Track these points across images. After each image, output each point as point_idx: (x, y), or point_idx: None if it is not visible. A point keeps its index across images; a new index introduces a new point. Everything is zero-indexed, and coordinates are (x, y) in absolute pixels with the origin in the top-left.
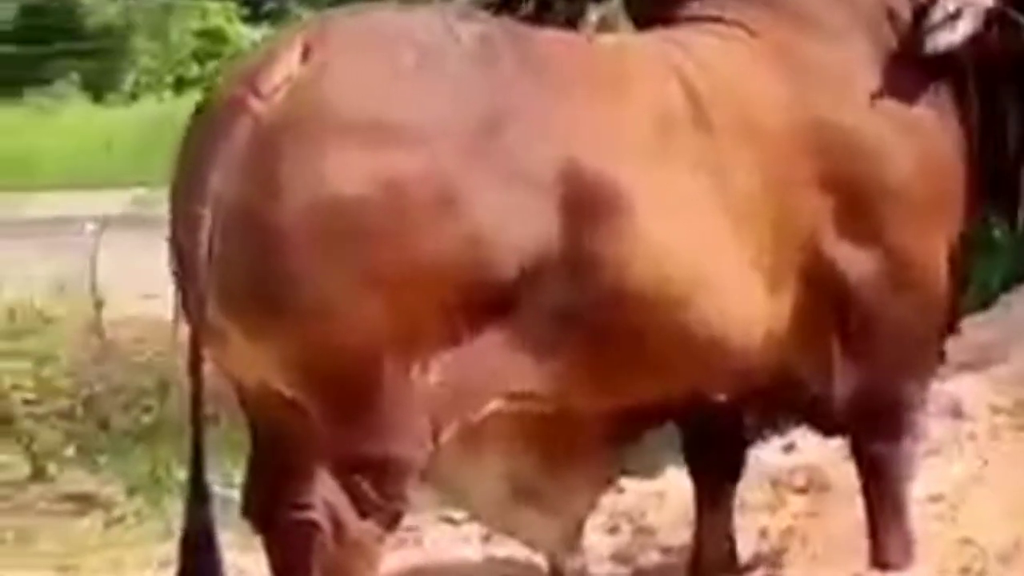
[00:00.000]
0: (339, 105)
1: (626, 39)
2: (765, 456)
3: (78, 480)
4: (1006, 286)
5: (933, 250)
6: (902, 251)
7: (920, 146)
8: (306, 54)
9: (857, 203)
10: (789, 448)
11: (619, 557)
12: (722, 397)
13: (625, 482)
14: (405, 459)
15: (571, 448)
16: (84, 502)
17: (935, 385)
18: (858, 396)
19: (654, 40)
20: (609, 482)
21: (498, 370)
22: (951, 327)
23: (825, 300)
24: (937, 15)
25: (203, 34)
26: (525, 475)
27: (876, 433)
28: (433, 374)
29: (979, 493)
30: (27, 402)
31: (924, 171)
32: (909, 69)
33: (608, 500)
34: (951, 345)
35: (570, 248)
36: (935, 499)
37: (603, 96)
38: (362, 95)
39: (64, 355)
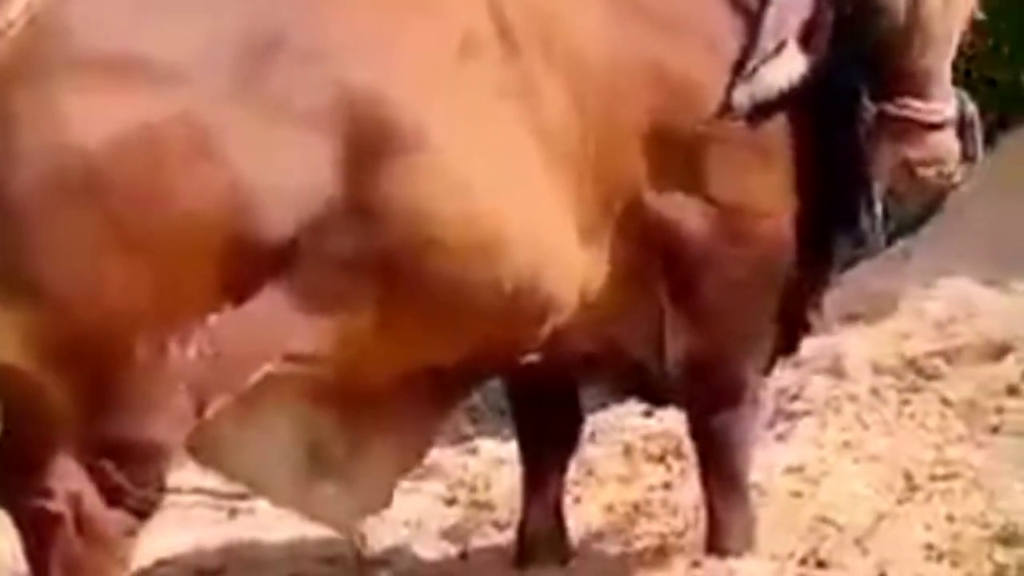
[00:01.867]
0: (78, 41)
1: None
2: (624, 420)
3: None
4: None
5: (768, 202)
6: (735, 204)
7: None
8: None
9: (684, 151)
10: (650, 413)
11: (450, 535)
12: (532, 357)
13: (479, 444)
14: (158, 441)
15: (370, 414)
16: None
17: (814, 340)
18: (688, 362)
19: None
20: (419, 453)
21: (272, 332)
22: (810, 286)
23: (648, 255)
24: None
25: None
26: (318, 445)
27: (710, 404)
28: (194, 343)
29: (846, 463)
30: None
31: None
32: (749, 14)
33: (452, 465)
34: (838, 294)
35: (354, 190)
36: (794, 470)
37: (391, 14)
38: (104, 29)
39: None
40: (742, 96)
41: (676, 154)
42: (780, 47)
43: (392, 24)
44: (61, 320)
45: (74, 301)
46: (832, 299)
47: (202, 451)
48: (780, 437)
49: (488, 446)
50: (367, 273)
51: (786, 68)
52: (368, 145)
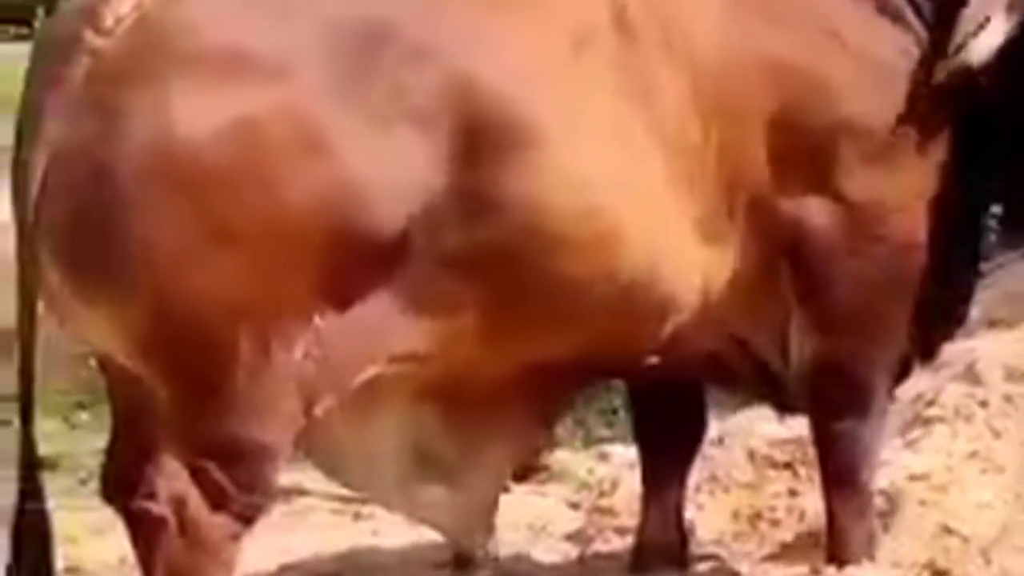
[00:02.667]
0: (187, 36)
1: None
2: (753, 425)
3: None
4: None
5: (899, 197)
6: (863, 201)
7: (886, 87)
8: None
9: (811, 145)
10: (780, 417)
11: (572, 539)
12: (653, 359)
13: (611, 448)
14: (266, 444)
15: (480, 415)
16: (49, 463)
17: (951, 344)
18: (814, 365)
19: None
20: (529, 455)
21: (380, 332)
22: (948, 287)
23: (774, 253)
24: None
25: None
26: (427, 446)
27: (835, 409)
28: (301, 343)
29: (974, 472)
30: None
31: (888, 114)
32: (874, 7)
33: (581, 469)
34: (978, 296)
35: (466, 186)
36: (921, 478)
37: (503, 7)
38: (214, 23)
39: None
40: (941, 74)
41: (802, 149)
42: (983, 24)
43: (505, 17)
44: (165, 316)
45: (178, 296)
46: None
47: (315, 454)
48: (910, 444)
49: (620, 450)
50: (479, 271)
51: (988, 43)
52: (480, 140)
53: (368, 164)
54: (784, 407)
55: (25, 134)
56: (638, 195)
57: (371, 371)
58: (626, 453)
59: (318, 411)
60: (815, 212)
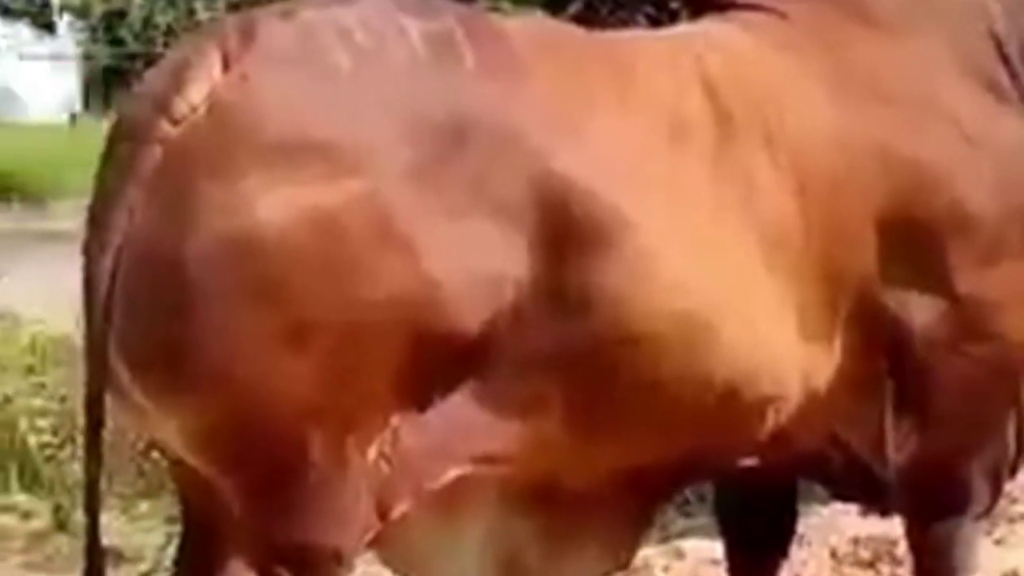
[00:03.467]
0: (261, 127)
1: (641, 35)
2: (835, 520)
3: (106, 529)
4: None
5: (1010, 298)
6: (972, 297)
7: (1000, 176)
8: (226, 66)
9: (921, 241)
10: (864, 513)
11: None
12: (750, 461)
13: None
14: (339, 548)
15: (567, 519)
16: (112, 554)
17: None
18: (913, 467)
19: (679, 37)
20: (619, 563)
21: (461, 433)
22: None
23: (877, 351)
24: None
25: None
26: (513, 552)
27: (933, 512)
28: (377, 443)
29: None
30: (46, 445)
31: (1001, 205)
32: (994, 86)
33: (658, 566)
34: None
35: (554, 285)
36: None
37: (591, 98)
38: (288, 114)
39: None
40: None
41: (911, 243)
42: None
43: (592, 109)
44: (236, 417)
45: (249, 397)
46: None
47: (391, 557)
48: (999, 542)
49: (696, 545)
50: (566, 372)
51: None
52: (566, 236)
53: (450, 260)
54: (879, 508)
55: (97, 224)
56: (736, 293)
57: (452, 473)
58: (702, 548)
59: (394, 514)
60: (921, 309)
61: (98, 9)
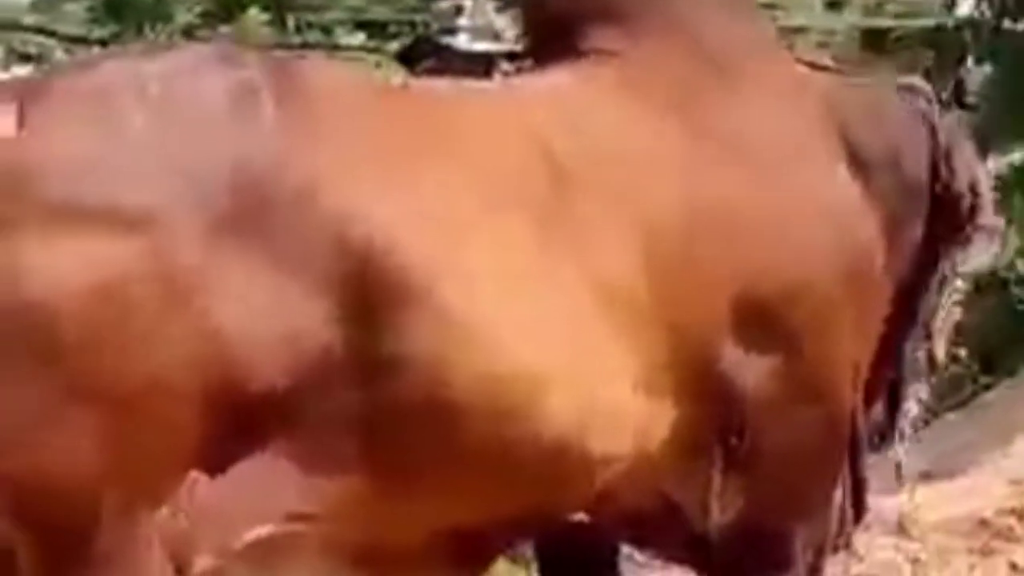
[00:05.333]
0: (43, 185)
1: (467, 86)
2: None
3: None
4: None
5: (845, 363)
6: (807, 361)
7: (839, 242)
8: (20, 120)
9: (760, 303)
10: None
11: None
12: (579, 516)
13: None
14: None
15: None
16: None
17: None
18: (738, 529)
19: (510, 88)
20: None
21: (267, 489)
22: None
23: (710, 411)
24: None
25: None
26: None
27: (753, 574)
28: (172, 501)
29: None
30: None
31: (839, 271)
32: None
33: None
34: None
35: (361, 344)
36: None
37: (408, 157)
38: (73, 172)
39: None
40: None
41: (750, 306)
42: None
43: (402, 164)
44: (18, 474)
45: (34, 460)
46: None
47: None
48: None
49: None
50: (374, 433)
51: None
52: (371, 295)
53: (243, 319)
54: (702, 568)
55: None
56: (566, 354)
57: (260, 531)
58: None
59: (195, 570)
60: (756, 371)
61: None
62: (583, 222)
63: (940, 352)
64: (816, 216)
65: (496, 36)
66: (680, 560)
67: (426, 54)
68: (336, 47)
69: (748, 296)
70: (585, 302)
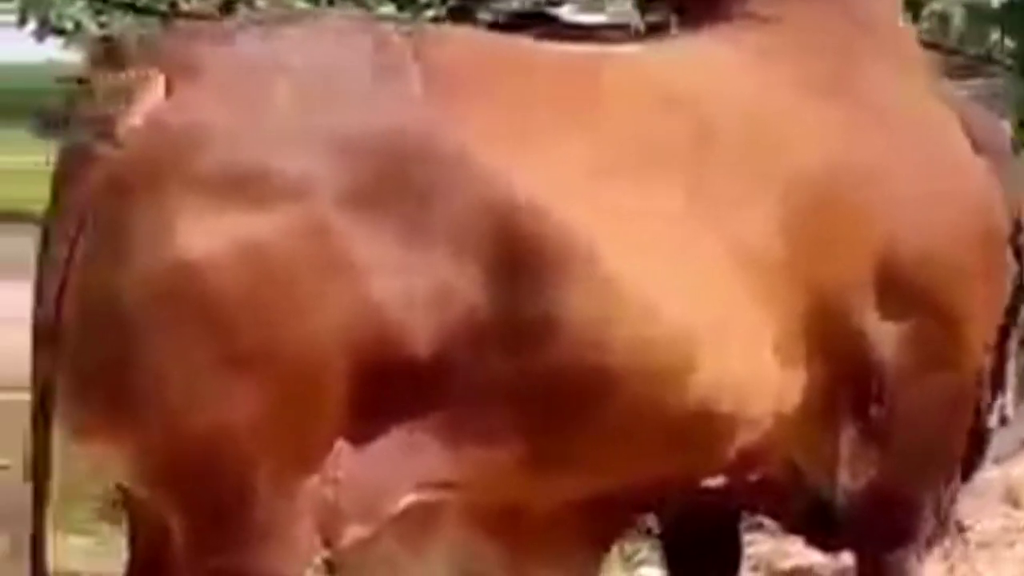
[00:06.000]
0: (198, 154)
1: (608, 51)
2: (779, 545)
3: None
4: None
5: (978, 330)
6: (947, 326)
7: (982, 217)
8: (168, 89)
9: (902, 269)
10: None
11: None
12: (715, 481)
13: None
14: (275, 575)
15: (531, 544)
16: None
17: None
18: (869, 497)
19: (658, 50)
20: None
21: (416, 458)
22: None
23: (844, 375)
24: None
25: None
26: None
27: (886, 541)
28: (322, 470)
29: None
30: None
31: (974, 234)
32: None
33: None
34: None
35: (512, 311)
36: None
37: (554, 121)
38: (226, 141)
39: None
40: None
41: (891, 272)
42: None
43: (549, 129)
44: (176, 445)
45: (189, 426)
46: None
47: None
48: (951, 570)
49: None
50: (525, 400)
51: None
52: (522, 261)
53: (397, 285)
54: (825, 542)
55: (45, 252)
56: (713, 317)
57: (406, 500)
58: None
59: (343, 540)
60: (893, 337)
61: None
62: (726, 184)
63: None
64: (956, 186)
65: (600, 8)
66: (803, 531)
67: (532, 25)
68: None
69: (888, 261)
70: (729, 264)
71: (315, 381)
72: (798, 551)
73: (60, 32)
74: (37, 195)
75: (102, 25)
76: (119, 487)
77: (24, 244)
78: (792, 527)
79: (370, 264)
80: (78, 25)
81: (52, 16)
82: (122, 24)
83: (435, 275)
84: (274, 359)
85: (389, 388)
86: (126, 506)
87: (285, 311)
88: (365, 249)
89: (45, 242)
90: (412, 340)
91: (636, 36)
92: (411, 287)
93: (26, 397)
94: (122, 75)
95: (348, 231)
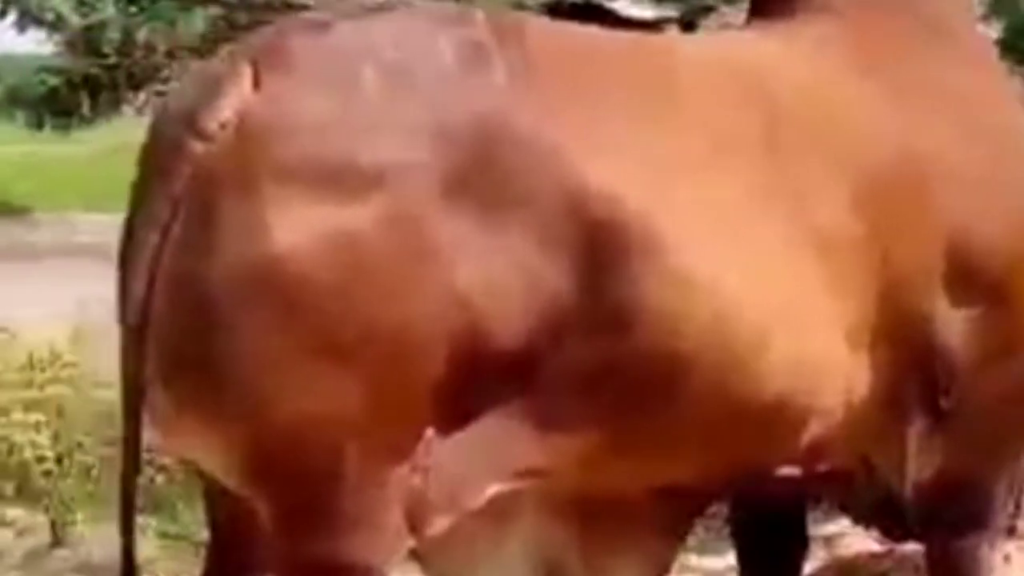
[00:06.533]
0: (289, 146)
1: (680, 39)
2: (843, 531)
3: (104, 544)
4: None
5: None
6: (1011, 315)
7: None
8: (256, 83)
9: (970, 258)
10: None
11: None
12: (785, 471)
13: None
14: (370, 563)
15: (608, 532)
16: (102, 567)
17: None
18: (939, 486)
19: (721, 42)
20: (664, 569)
21: (501, 447)
22: None
23: (913, 366)
24: None
25: None
26: (555, 564)
27: (958, 529)
28: (412, 459)
29: None
30: (42, 459)
31: None
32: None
33: None
34: None
35: (595, 299)
36: None
37: (633, 112)
38: (317, 133)
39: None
40: None
41: (960, 261)
42: None
43: (629, 120)
44: (268, 434)
45: (281, 414)
46: None
47: (434, 570)
48: (1007, 559)
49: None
50: (608, 386)
51: None
52: (604, 250)
53: (485, 274)
54: (893, 532)
55: (131, 240)
56: (784, 306)
57: (492, 489)
58: (706, 563)
59: (431, 529)
60: (961, 325)
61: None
62: (799, 171)
63: None
64: (1022, 174)
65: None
66: (872, 522)
67: (587, 18)
68: None
69: (957, 248)
70: (801, 251)
71: (406, 370)
72: (860, 536)
73: (42, 23)
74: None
75: (84, 15)
76: (204, 480)
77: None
78: (861, 518)
79: (459, 252)
80: (59, 16)
81: (33, 6)
82: (104, 16)
83: (522, 263)
84: (366, 348)
85: (479, 376)
86: (206, 497)
87: (376, 300)
88: (454, 238)
89: (129, 237)
90: (501, 328)
91: (688, 28)
92: (500, 275)
93: None
94: (210, 68)
95: (436, 220)
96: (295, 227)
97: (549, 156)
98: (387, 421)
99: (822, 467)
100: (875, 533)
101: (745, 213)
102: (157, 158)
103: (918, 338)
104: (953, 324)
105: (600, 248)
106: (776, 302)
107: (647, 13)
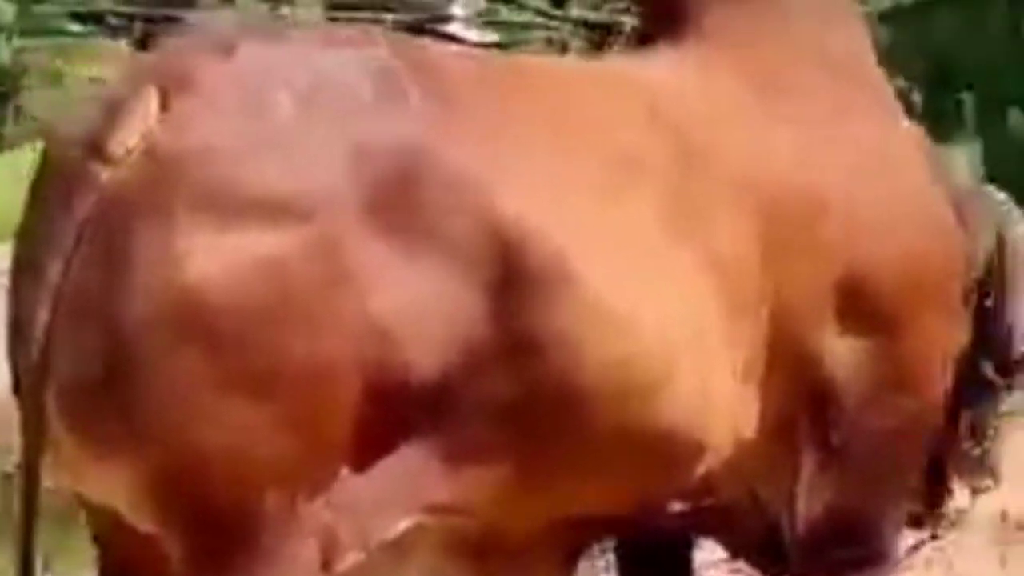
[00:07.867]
0: (200, 173)
1: (583, 65)
2: None
3: None
4: None
5: (939, 350)
6: (904, 350)
7: (938, 228)
8: (164, 105)
9: (866, 290)
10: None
11: None
12: (679, 506)
13: None
14: None
15: (509, 566)
16: None
17: None
18: (827, 521)
19: (627, 68)
20: None
21: (414, 481)
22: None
23: (802, 398)
24: None
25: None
26: None
27: (849, 568)
28: (325, 494)
29: None
30: None
31: (941, 257)
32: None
33: None
34: None
35: (507, 329)
36: None
37: (544, 137)
38: (228, 158)
39: None
40: None
41: (856, 293)
42: None
43: (539, 145)
44: (174, 465)
45: (193, 450)
46: None
47: None
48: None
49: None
50: (518, 418)
51: None
52: (516, 278)
53: (402, 303)
54: (772, 568)
55: (29, 270)
56: (687, 336)
57: (402, 524)
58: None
59: (341, 566)
60: (854, 358)
61: None
62: (700, 199)
63: None
64: (922, 215)
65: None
66: (752, 556)
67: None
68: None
69: (848, 281)
70: (703, 282)
71: (321, 401)
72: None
73: None
74: None
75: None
76: (95, 517)
77: None
78: (744, 553)
79: (375, 281)
80: None
81: None
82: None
83: (438, 292)
84: (279, 380)
85: (394, 407)
86: (101, 538)
87: (290, 331)
88: (370, 266)
89: (26, 268)
90: (417, 358)
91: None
92: (416, 304)
93: None
94: (114, 90)
95: (352, 248)
96: (207, 255)
97: (464, 184)
98: (301, 454)
99: (708, 501)
100: None
101: (653, 241)
102: (56, 184)
103: (809, 371)
104: (843, 357)
105: (514, 277)
106: (677, 335)
107: (488, 38)
